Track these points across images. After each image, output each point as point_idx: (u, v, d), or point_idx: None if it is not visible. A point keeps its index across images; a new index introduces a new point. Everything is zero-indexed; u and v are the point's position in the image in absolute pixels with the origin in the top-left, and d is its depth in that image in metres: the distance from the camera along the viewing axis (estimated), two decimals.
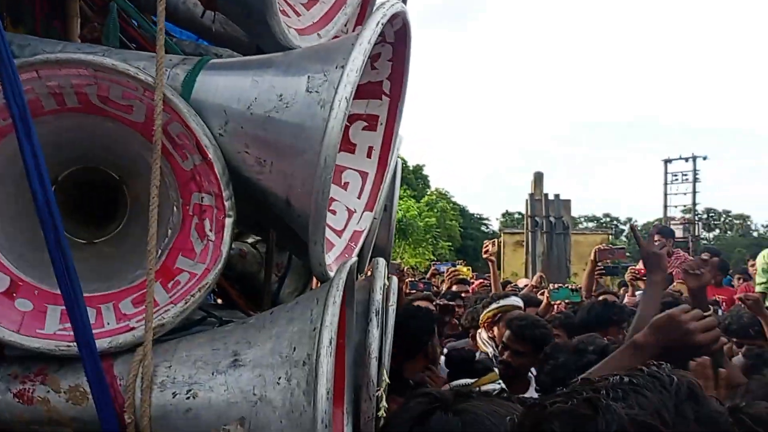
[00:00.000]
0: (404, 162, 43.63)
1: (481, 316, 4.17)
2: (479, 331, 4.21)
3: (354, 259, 1.61)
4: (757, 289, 7.00)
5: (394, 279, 2.62)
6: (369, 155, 1.87)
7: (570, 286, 5.41)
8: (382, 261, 2.04)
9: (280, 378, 1.25)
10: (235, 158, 1.59)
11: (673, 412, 0.73)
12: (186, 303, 1.52)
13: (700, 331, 1.70)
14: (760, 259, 7.13)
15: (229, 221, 1.57)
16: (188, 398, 1.32)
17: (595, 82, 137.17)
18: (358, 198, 1.85)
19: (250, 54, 1.84)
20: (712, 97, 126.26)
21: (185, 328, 1.68)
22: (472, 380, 3.10)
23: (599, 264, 6.27)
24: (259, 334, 1.44)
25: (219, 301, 2.81)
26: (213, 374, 1.34)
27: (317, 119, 1.43)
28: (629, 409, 0.72)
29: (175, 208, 1.61)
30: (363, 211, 1.85)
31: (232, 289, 2.51)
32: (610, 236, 39.65)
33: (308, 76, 1.50)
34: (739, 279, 8.30)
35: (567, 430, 0.73)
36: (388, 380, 2.07)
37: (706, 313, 2.56)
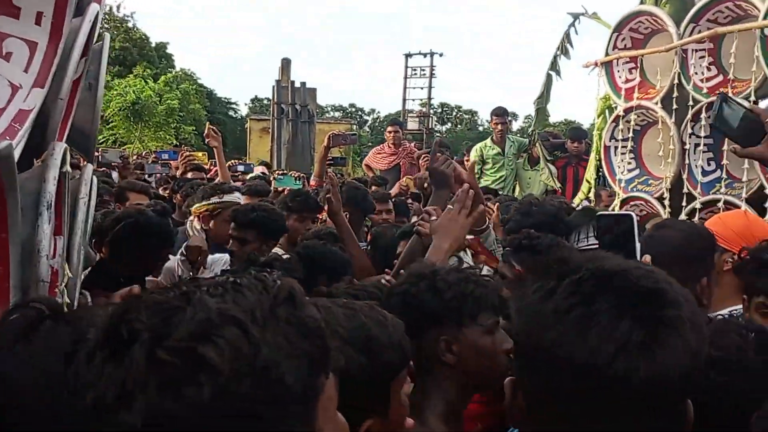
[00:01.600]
0: (145, 38, 40.43)
1: (198, 205, 4.01)
2: (191, 218, 4.05)
3: (6, 142, 1.39)
4: None
5: (89, 167, 2.38)
6: (38, 22, 1.60)
7: (294, 174, 5.44)
8: (59, 146, 1.82)
9: None
10: None
11: (267, 311, 0.75)
12: None
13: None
14: (473, 153, 7.86)
15: None
16: None
17: None
18: (25, 72, 1.59)
19: None
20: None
21: None
22: None
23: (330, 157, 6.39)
24: None
25: None
26: None
27: None
28: (223, 304, 0.73)
29: None
30: (31, 88, 1.59)
31: None
32: (354, 126, 41.07)
33: None
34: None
35: (154, 320, 0.71)
36: (70, 274, 1.90)
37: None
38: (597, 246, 3.42)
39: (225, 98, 51.97)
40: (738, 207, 3.65)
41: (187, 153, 8.07)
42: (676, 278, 2.15)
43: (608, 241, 1.62)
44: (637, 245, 1.59)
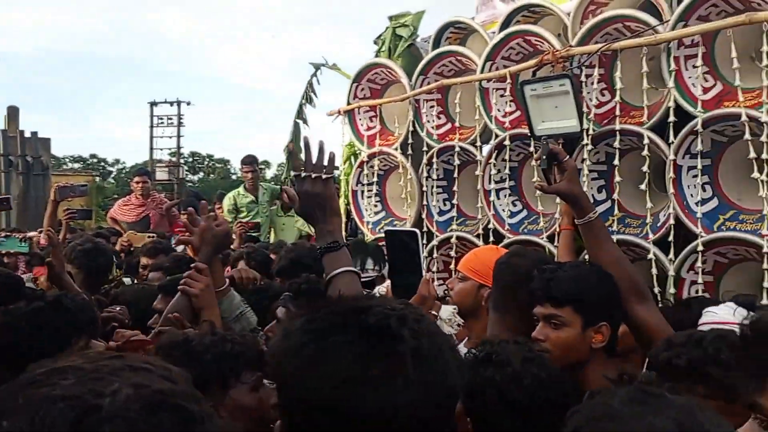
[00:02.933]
0: None
1: None
2: None
3: None
4: None
5: None
6: None
7: (19, 236, 4.84)
8: None
9: None
10: None
11: None
12: None
13: None
14: (226, 201, 7.75)
15: None
16: None
17: (89, 13, 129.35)
18: None
19: None
20: (194, 46, 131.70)
21: None
22: None
23: (67, 209, 5.87)
24: None
25: None
26: None
27: None
28: None
29: None
30: None
31: None
32: (97, 178, 38.49)
33: None
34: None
35: None
36: None
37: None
38: (374, 276, 3.57)
39: None
40: (472, 242, 3.99)
41: None
42: (522, 303, 2.33)
43: (397, 258, 1.65)
44: (422, 259, 1.63)
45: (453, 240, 4.13)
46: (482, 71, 3.95)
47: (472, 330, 2.66)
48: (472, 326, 2.66)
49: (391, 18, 4.81)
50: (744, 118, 2.96)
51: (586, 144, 3.46)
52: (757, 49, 3.02)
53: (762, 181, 2.93)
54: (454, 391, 1.04)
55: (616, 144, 3.34)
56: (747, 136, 2.96)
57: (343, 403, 0.97)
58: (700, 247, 3.04)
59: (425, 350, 1.02)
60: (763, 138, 2.91)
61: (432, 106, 4.37)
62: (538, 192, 3.67)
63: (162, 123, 32.45)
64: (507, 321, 2.35)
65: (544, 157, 2.38)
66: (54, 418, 0.60)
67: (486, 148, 4.09)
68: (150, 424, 0.62)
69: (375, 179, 4.66)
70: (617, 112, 3.37)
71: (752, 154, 2.94)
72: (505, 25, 3.97)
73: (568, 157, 2.42)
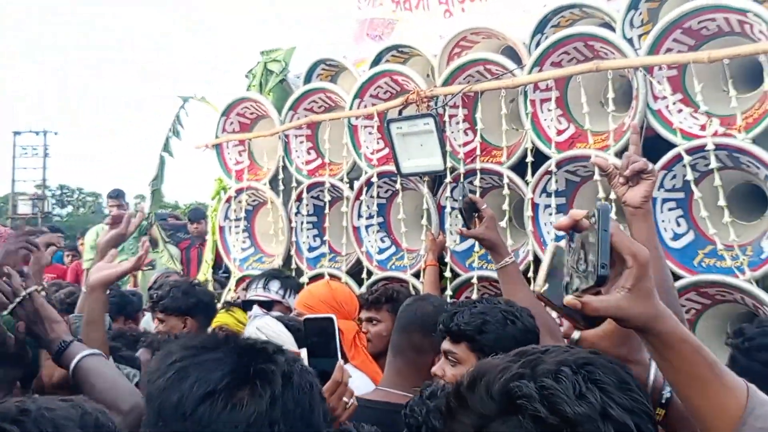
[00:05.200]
0: None
1: None
2: None
3: None
4: (85, 265, 7.21)
5: None
6: None
7: None
8: None
9: None
10: None
11: None
12: None
13: None
14: (89, 235, 7.37)
15: None
16: None
17: None
18: None
19: None
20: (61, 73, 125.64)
21: None
22: None
23: None
24: None
25: None
26: None
27: None
28: None
29: None
30: None
31: None
32: None
33: None
34: (68, 256, 8.38)
35: None
36: None
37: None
38: (274, 299, 3.48)
39: None
40: (340, 279, 3.95)
41: None
42: (419, 344, 2.38)
43: (314, 343, 1.66)
44: (338, 343, 1.65)
45: (326, 277, 4.07)
46: (351, 108, 3.96)
47: None
48: None
49: (263, 53, 4.75)
50: (593, 159, 3.11)
51: (449, 182, 3.53)
52: (605, 94, 3.21)
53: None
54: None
55: (477, 182, 3.43)
56: (596, 176, 3.12)
57: (198, 412, 1.00)
58: None
59: (296, 379, 1.08)
60: None
61: (302, 142, 4.33)
62: (403, 228, 3.70)
63: (26, 153, 30.67)
64: (401, 363, 2.41)
65: (462, 198, 2.53)
66: None
67: (356, 185, 4.09)
68: None
69: (243, 215, 4.54)
70: (478, 152, 3.47)
71: (601, 194, 3.10)
72: (375, 63, 4.00)
73: (485, 205, 2.53)
